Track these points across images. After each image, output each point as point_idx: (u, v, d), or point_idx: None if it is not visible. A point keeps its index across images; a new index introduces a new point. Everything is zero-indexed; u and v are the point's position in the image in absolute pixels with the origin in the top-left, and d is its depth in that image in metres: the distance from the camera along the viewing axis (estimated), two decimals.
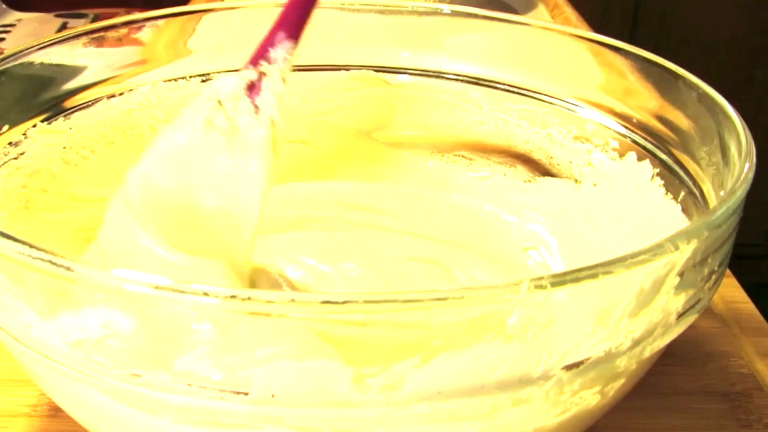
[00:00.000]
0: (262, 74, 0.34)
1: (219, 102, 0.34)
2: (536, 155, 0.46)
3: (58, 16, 0.92)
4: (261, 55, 0.34)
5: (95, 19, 0.92)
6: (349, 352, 0.24)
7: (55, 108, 0.41)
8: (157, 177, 0.34)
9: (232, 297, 0.23)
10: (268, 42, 0.33)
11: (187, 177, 0.33)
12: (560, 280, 0.24)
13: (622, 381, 0.29)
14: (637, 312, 0.26)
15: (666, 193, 0.38)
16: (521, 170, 0.46)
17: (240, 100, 0.34)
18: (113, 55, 0.44)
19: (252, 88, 0.34)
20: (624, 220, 0.40)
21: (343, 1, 0.48)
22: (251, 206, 0.33)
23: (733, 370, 0.41)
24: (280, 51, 0.34)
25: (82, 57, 0.43)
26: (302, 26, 0.33)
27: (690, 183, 0.36)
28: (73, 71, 0.43)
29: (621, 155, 0.41)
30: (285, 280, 0.39)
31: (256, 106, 0.34)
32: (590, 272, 0.24)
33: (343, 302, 0.23)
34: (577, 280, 0.24)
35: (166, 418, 0.27)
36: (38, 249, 0.25)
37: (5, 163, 0.38)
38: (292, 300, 0.23)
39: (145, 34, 0.45)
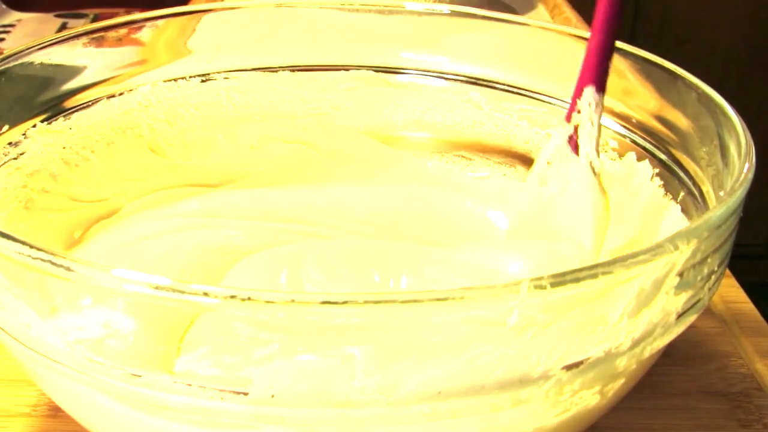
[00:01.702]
0: (576, 127, 0.37)
1: (548, 162, 0.38)
2: (536, 155, 0.45)
3: (58, 16, 0.92)
4: (572, 108, 0.37)
5: (95, 19, 0.92)
6: (350, 352, 0.24)
7: (55, 108, 0.41)
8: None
9: (232, 297, 0.23)
10: (576, 95, 0.36)
11: (539, 229, 0.38)
12: (560, 280, 0.24)
13: (622, 381, 0.29)
14: (637, 312, 0.26)
15: (665, 194, 0.38)
16: (521, 170, 0.46)
17: (564, 155, 0.37)
18: (113, 55, 0.44)
19: (571, 140, 0.37)
20: (624, 220, 0.40)
21: (343, 1, 0.48)
22: (587, 244, 0.36)
23: (732, 370, 0.41)
24: (585, 98, 0.36)
25: (82, 57, 0.43)
26: (605, 73, 0.36)
27: (689, 183, 0.36)
28: (73, 71, 0.43)
29: (620, 155, 0.41)
30: (285, 280, 0.39)
31: (577, 155, 0.37)
32: (590, 272, 0.24)
33: (343, 302, 0.23)
34: (577, 280, 0.24)
35: (166, 418, 0.27)
36: (38, 249, 0.25)
37: (5, 163, 0.38)
38: (292, 300, 0.23)
39: (145, 34, 0.45)
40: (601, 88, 0.36)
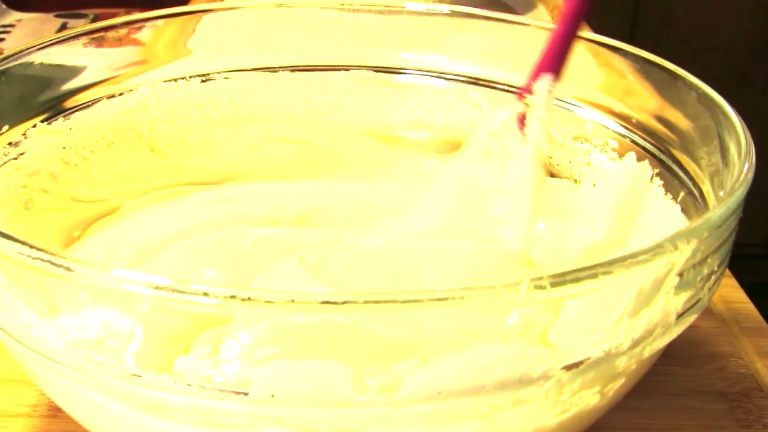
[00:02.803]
0: (527, 106, 0.37)
1: (493, 134, 0.38)
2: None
3: (58, 16, 0.92)
4: (526, 89, 0.37)
5: (95, 19, 0.92)
6: (349, 352, 0.24)
7: (55, 108, 0.41)
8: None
9: (232, 297, 0.23)
10: (533, 77, 0.37)
11: (471, 198, 0.38)
12: (560, 280, 0.24)
13: (621, 381, 0.29)
14: (636, 312, 0.26)
15: (665, 194, 0.38)
16: None
17: (511, 130, 0.38)
18: (113, 55, 0.44)
19: (520, 119, 0.38)
20: (624, 220, 0.40)
21: (343, 1, 0.48)
22: (522, 217, 0.37)
23: (732, 370, 0.41)
24: (542, 85, 0.37)
25: (82, 57, 0.43)
26: (563, 62, 0.37)
27: (689, 183, 0.36)
28: (73, 71, 0.43)
29: (620, 155, 0.41)
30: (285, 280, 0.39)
31: (523, 134, 0.38)
32: (590, 272, 0.24)
33: (343, 302, 0.23)
34: (577, 280, 0.24)
35: (166, 418, 0.27)
36: (38, 249, 0.25)
37: (5, 163, 0.38)
38: (292, 300, 0.23)
39: (145, 34, 0.45)
40: (558, 77, 0.37)
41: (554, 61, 0.37)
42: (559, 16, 0.37)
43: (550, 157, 0.45)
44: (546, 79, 0.37)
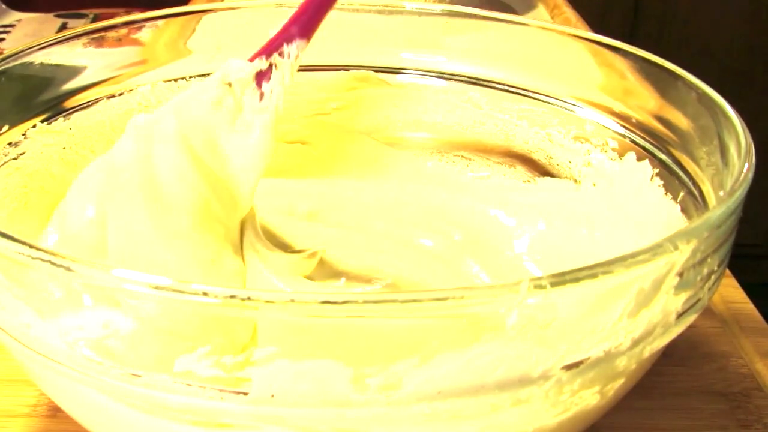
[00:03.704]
0: (272, 65, 0.36)
1: (229, 84, 0.36)
2: (536, 155, 0.46)
3: (58, 16, 0.92)
4: (274, 48, 0.36)
5: (95, 19, 0.92)
6: (349, 352, 0.24)
7: (55, 108, 0.41)
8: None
9: (232, 297, 0.23)
10: (283, 37, 0.36)
11: (199, 153, 0.36)
12: (560, 280, 0.24)
13: (621, 381, 0.29)
14: (636, 312, 0.26)
15: (665, 193, 0.38)
16: (521, 170, 0.46)
17: (248, 85, 0.36)
18: (113, 55, 0.44)
19: (261, 76, 0.36)
20: (624, 220, 0.40)
21: (343, 1, 0.48)
22: (247, 183, 0.35)
23: (732, 370, 0.41)
24: (293, 48, 0.36)
25: (82, 57, 0.43)
26: (315, 27, 0.36)
27: (689, 183, 0.36)
28: (73, 71, 0.43)
29: (620, 155, 0.41)
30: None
31: (262, 93, 0.36)
32: (590, 272, 0.24)
33: (343, 302, 0.23)
34: (577, 280, 0.24)
35: (166, 418, 0.27)
36: (38, 249, 0.25)
37: (5, 163, 0.38)
38: (292, 300, 0.23)
39: (145, 34, 0.45)
40: (306, 35, 0.36)
41: (306, 24, 0.36)
42: None
43: (550, 157, 0.45)
44: (299, 43, 0.36)
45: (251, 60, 0.37)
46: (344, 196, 0.47)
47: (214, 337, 0.28)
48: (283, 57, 0.36)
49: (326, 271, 0.41)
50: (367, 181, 0.48)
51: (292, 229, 0.44)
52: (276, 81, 0.36)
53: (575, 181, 0.44)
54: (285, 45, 0.36)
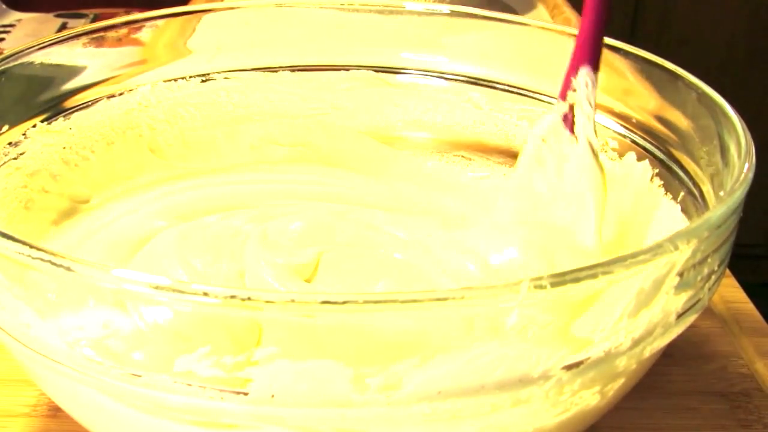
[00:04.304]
0: (571, 105, 0.36)
1: (543, 139, 0.37)
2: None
3: (58, 16, 0.92)
4: (567, 87, 0.36)
5: (95, 19, 0.92)
6: (349, 352, 0.24)
7: (55, 108, 0.41)
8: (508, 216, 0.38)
9: (232, 297, 0.23)
10: (570, 73, 0.36)
11: (534, 209, 0.38)
12: (560, 280, 0.24)
13: (621, 381, 0.29)
14: (636, 312, 0.26)
15: (666, 193, 0.38)
16: None
17: (560, 133, 0.37)
18: (113, 55, 0.44)
19: (566, 119, 0.37)
20: (624, 220, 0.40)
21: (343, 1, 0.48)
22: (589, 222, 0.36)
23: (732, 370, 0.41)
24: (581, 78, 0.36)
25: (82, 57, 0.43)
26: (598, 52, 0.36)
27: (689, 183, 0.36)
28: (73, 71, 0.43)
29: (620, 155, 0.41)
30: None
31: (574, 134, 0.37)
32: (590, 272, 0.24)
33: (343, 302, 0.23)
34: (577, 280, 0.24)
35: (166, 418, 0.27)
36: (38, 249, 0.25)
37: (5, 163, 0.38)
38: (292, 300, 0.23)
39: (145, 34, 0.45)
40: (596, 67, 0.36)
41: (589, 52, 0.36)
42: (584, 6, 0.35)
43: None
44: (584, 72, 0.36)
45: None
46: (344, 196, 0.47)
47: (219, 339, 0.28)
48: (577, 91, 0.36)
49: (328, 272, 0.41)
50: (366, 181, 0.48)
51: (293, 230, 0.44)
52: (580, 116, 0.36)
53: None
54: (573, 80, 0.36)
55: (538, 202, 0.38)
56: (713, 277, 0.29)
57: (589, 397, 0.28)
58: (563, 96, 0.37)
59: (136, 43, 0.45)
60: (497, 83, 0.46)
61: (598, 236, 0.36)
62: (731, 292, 0.47)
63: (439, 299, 0.23)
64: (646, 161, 0.39)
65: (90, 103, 0.43)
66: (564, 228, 0.36)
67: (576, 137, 0.37)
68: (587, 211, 0.36)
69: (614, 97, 0.42)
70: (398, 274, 0.38)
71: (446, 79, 0.47)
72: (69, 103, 0.42)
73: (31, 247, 0.25)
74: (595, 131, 0.36)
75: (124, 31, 0.44)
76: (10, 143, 0.39)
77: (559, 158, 0.37)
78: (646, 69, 0.40)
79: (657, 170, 0.39)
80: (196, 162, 0.47)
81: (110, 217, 0.42)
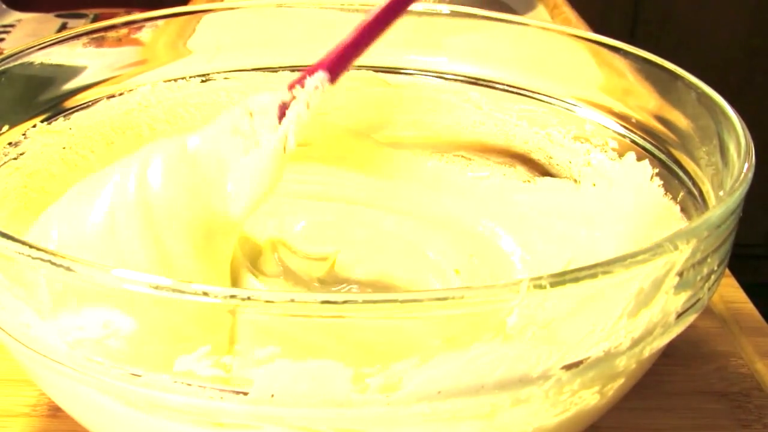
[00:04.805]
0: (293, 97, 0.36)
1: (250, 113, 0.36)
2: (535, 155, 0.46)
3: (58, 16, 0.93)
4: (299, 81, 0.36)
5: (95, 19, 0.92)
6: (349, 352, 0.24)
7: (55, 108, 0.41)
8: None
9: (232, 297, 0.23)
10: (309, 70, 0.36)
11: (206, 172, 0.36)
12: (560, 280, 0.24)
13: (621, 381, 0.29)
14: (636, 312, 0.26)
15: (665, 193, 0.38)
16: (521, 170, 0.46)
17: (267, 115, 0.36)
18: (113, 55, 0.44)
19: (283, 108, 0.36)
20: (623, 220, 0.40)
21: (343, 1, 0.48)
22: (239, 205, 0.36)
23: (732, 370, 0.41)
24: (314, 79, 0.36)
25: (82, 57, 0.43)
26: (343, 67, 0.36)
27: (689, 183, 0.36)
28: (73, 71, 0.43)
29: (620, 155, 0.41)
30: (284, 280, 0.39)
31: (279, 123, 0.36)
32: (590, 272, 0.24)
33: (343, 302, 0.23)
34: (577, 280, 0.24)
35: (166, 418, 0.27)
36: (38, 249, 0.25)
37: (5, 163, 0.38)
38: (292, 300, 0.23)
39: (145, 34, 0.45)
40: (332, 79, 0.36)
41: (335, 63, 0.36)
42: (360, 22, 0.36)
43: (550, 157, 0.45)
44: (320, 75, 0.36)
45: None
46: (344, 196, 0.47)
47: (219, 339, 0.28)
48: (303, 88, 0.36)
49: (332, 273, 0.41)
50: (366, 181, 0.48)
51: (293, 231, 0.44)
52: (293, 111, 0.36)
53: (575, 181, 0.44)
54: (307, 77, 0.36)
55: (213, 169, 0.37)
56: (713, 277, 0.29)
57: (589, 397, 0.28)
58: (291, 87, 0.36)
59: (136, 43, 0.45)
60: (497, 83, 0.46)
61: (244, 211, 0.36)
62: (731, 292, 0.47)
63: (438, 299, 0.23)
64: (646, 161, 0.39)
65: (90, 103, 0.43)
66: (221, 189, 0.36)
67: (277, 128, 0.36)
68: (247, 188, 0.36)
69: (614, 97, 0.42)
70: (399, 274, 0.38)
71: (446, 79, 0.47)
72: (69, 103, 0.42)
73: (31, 247, 0.25)
74: (295, 135, 0.36)
75: (124, 31, 0.44)
76: (10, 143, 0.39)
77: (251, 136, 0.36)
78: (645, 69, 0.40)
79: (657, 170, 0.39)
80: None
81: None
